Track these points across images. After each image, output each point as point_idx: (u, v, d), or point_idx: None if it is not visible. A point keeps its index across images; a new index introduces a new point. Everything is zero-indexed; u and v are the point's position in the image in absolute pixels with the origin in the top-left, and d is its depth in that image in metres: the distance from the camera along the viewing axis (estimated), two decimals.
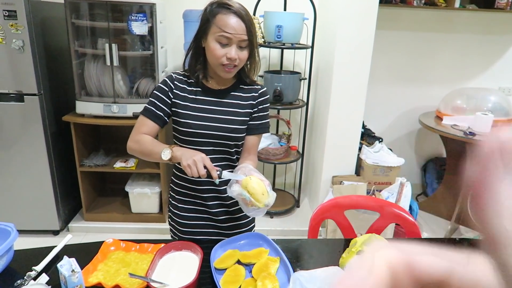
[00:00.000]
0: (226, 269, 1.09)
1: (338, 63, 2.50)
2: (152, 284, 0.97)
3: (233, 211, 1.36)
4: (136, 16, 2.42)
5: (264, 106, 1.32)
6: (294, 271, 1.03)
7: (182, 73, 1.29)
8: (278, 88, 2.70)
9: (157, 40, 2.52)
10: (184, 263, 1.09)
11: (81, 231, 2.78)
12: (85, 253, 1.12)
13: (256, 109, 1.30)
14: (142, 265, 1.11)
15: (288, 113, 3.19)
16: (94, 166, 2.72)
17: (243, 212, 1.20)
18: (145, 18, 2.44)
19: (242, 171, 1.17)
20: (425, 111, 3.24)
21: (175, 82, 1.26)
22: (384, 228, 1.54)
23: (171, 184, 1.40)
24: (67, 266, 0.93)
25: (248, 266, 1.12)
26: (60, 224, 2.69)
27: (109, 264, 1.11)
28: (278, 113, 3.01)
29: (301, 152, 3.08)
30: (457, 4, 2.99)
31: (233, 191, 1.10)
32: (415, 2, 3.00)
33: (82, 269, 0.99)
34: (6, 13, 2.21)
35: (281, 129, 3.26)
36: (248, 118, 1.29)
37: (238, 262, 1.13)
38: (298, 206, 3.18)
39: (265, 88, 1.33)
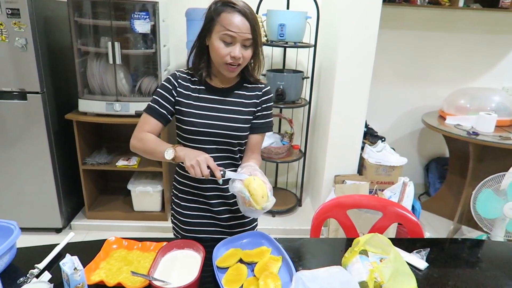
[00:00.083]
0: (228, 268, 1.09)
1: (341, 62, 2.49)
2: (154, 282, 0.97)
3: (235, 210, 1.35)
4: (138, 15, 2.42)
5: (268, 104, 1.32)
6: (296, 271, 1.02)
7: (185, 71, 1.29)
8: (281, 87, 2.70)
9: (160, 38, 2.52)
10: (186, 262, 1.09)
11: (84, 229, 2.79)
12: (87, 251, 1.12)
13: (259, 108, 1.30)
14: (144, 263, 1.11)
15: (290, 112, 3.18)
16: (97, 164, 2.73)
17: None
18: (147, 17, 2.44)
19: (247, 170, 1.17)
20: (428, 111, 3.24)
21: (179, 80, 1.26)
22: (387, 227, 1.54)
23: (174, 183, 1.40)
24: (70, 264, 0.93)
25: (250, 265, 1.12)
26: (62, 222, 2.70)
27: (111, 262, 1.11)
28: (281, 112, 3.00)
29: (303, 151, 3.07)
30: (461, 3, 2.98)
31: (235, 187, 1.10)
32: (418, 1, 2.99)
33: (84, 267, 0.99)
34: (9, 11, 2.22)
35: (283, 128, 3.25)
36: (251, 117, 1.28)
37: (240, 261, 1.13)
38: (300, 205, 3.18)
39: (269, 87, 1.33)
